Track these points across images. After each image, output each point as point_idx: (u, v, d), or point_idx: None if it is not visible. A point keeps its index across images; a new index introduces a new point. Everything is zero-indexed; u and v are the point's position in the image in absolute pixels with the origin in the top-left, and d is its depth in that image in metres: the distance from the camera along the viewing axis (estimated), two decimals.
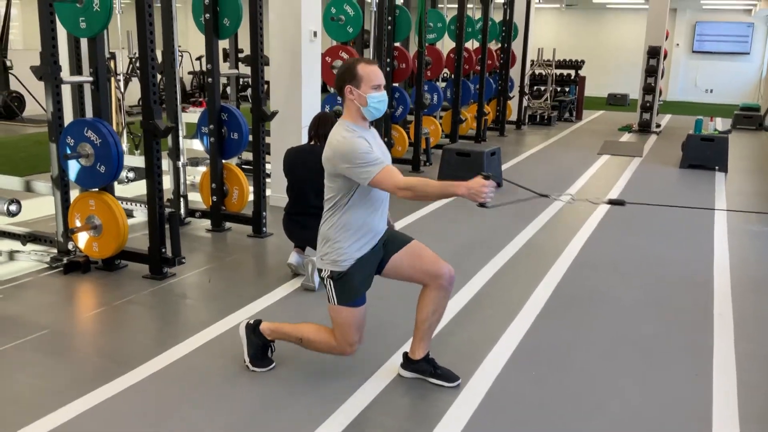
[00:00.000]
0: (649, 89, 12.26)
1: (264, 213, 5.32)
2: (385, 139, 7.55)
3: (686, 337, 3.68)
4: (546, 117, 12.97)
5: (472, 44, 10.64)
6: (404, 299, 3.50)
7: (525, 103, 12.65)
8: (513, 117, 12.22)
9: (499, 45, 11.48)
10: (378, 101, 2.82)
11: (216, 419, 2.77)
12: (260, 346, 3.16)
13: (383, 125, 7.49)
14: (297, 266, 4.41)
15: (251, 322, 3.19)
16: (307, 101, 5.99)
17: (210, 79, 5.18)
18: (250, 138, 5.33)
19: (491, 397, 2.99)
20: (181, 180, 5.46)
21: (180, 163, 5.43)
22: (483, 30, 10.19)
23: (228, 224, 5.50)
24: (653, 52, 12.10)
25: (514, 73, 12.06)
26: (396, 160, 7.19)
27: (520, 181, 7.52)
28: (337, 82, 2.87)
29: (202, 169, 6.13)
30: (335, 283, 2.89)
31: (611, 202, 2.54)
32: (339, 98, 2.95)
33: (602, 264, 4.86)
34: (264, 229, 5.32)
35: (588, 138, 11.37)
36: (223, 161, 5.41)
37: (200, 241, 5.24)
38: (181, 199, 5.49)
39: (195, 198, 5.80)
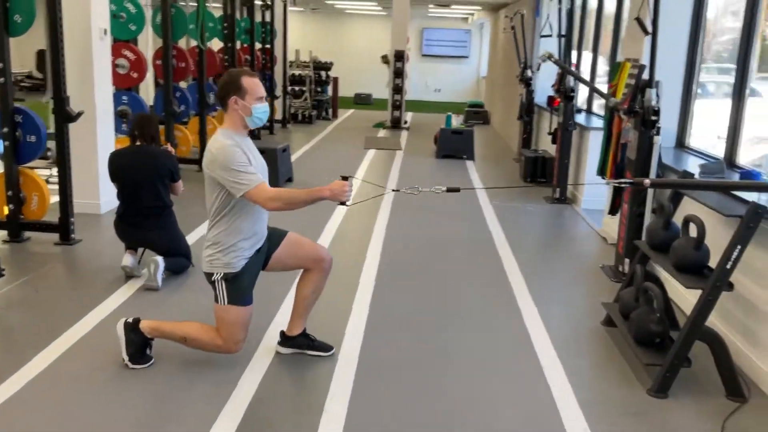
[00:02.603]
0: (397, 89, 13.53)
1: (72, 219, 5.09)
2: (168, 143, 7.44)
3: (494, 291, 4.47)
4: (308, 115, 13.61)
5: (239, 45, 10.81)
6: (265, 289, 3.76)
7: (288, 102, 13.14)
8: (278, 116, 12.64)
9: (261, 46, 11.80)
10: (262, 111, 3.04)
11: (116, 416, 2.82)
12: (140, 344, 3.20)
13: (167, 125, 7.37)
14: (132, 268, 4.36)
15: (130, 320, 3.21)
16: (100, 101, 5.82)
17: (2, 79, 4.81)
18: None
19: (365, 358, 3.41)
20: None
21: None
22: (250, 31, 10.45)
23: (27, 234, 5.15)
24: (399, 56, 13.37)
25: (276, 73, 12.47)
26: (181, 161, 7.14)
27: (314, 174, 8.01)
28: (220, 92, 3.02)
29: None
30: (227, 284, 3.04)
31: (449, 189, 3.12)
32: (222, 106, 3.08)
33: (408, 242, 5.55)
34: (73, 235, 5.09)
35: (350, 134, 12.23)
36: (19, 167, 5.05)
37: None
38: None
39: None
